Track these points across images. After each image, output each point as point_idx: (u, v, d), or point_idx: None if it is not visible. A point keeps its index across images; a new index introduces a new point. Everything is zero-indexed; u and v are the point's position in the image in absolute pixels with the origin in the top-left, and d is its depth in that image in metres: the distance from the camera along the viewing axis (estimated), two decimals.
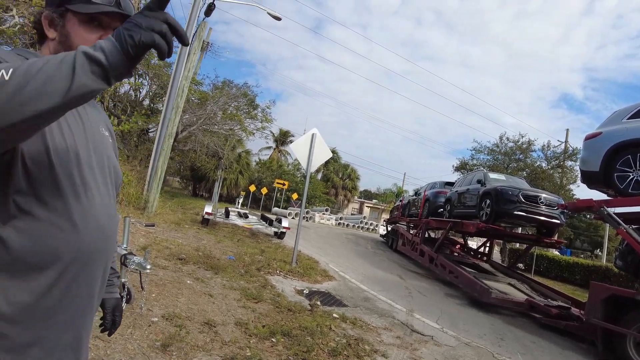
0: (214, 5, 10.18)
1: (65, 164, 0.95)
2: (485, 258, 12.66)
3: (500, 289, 8.49)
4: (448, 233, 11.61)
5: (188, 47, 11.39)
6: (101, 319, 1.32)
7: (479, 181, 10.62)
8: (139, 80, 17.64)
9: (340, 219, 27.76)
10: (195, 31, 11.50)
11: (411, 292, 8.14)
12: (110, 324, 1.33)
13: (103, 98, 15.36)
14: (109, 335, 1.36)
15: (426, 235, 13.23)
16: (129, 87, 17.67)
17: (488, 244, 13.09)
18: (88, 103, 1.14)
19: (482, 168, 19.55)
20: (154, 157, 11.40)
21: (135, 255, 3.25)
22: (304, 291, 6.16)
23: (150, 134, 18.63)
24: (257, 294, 5.07)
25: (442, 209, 12.61)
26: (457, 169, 24.68)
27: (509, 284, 9.70)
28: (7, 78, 0.71)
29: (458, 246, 13.73)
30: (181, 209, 14.41)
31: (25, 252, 0.89)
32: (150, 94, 18.86)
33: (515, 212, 8.71)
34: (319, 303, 5.42)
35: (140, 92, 18.65)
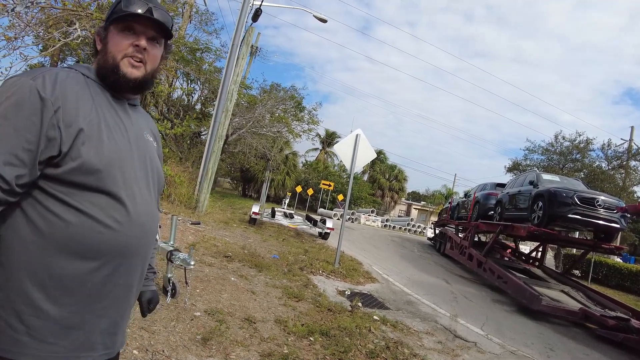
0: (261, 10, 10.47)
1: (109, 167, 1.05)
2: (537, 263, 12.07)
3: (552, 297, 8.05)
4: (498, 237, 11.13)
5: (237, 52, 11.85)
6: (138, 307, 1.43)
7: (531, 182, 10.11)
8: (191, 86, 18.50)
9: (387, 220, 27.39)
10: (244, 36, 11.88)
11: (457, 296, 7.92)
12: (146, 311, 1.44)
13: (157, 103, 16.27)
14: (143, 316, 1.47)
15: (475, 239, 12.78)
16: (181, 92, 18.60)
17: (541, 249, 12.45)
18: (135, 110, 1.26)
19: (536, 169, 18.55)
20: (205, 159, 11.89)
21: (180, 252, 3.45)
22: (346, 292, 6.16)
23: (202, 137, 19.41)
24: (298, 293, 5.16)
25: (492, 212, 12.14)
26: (510, 169, 23.56)
27: (562, 291, 9.17)
28: None
29: (509, 250, 13.16)
30: (230, 209, 14.90)
31: (73, 243, 1.01)
32: (202, 98, 19.65)
33: (570, 215, 8.19)
34: (360, 304, 5.40)
35: (192, 97, 19.52)
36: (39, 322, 0.97)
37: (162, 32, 1.21)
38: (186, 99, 19.36)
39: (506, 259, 11.78)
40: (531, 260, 12.42)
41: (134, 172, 1.13)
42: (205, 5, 24.20)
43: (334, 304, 5.10)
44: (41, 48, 7.28)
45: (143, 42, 1.16)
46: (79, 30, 6.15)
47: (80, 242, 1.01)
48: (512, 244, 14.05)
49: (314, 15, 14.24)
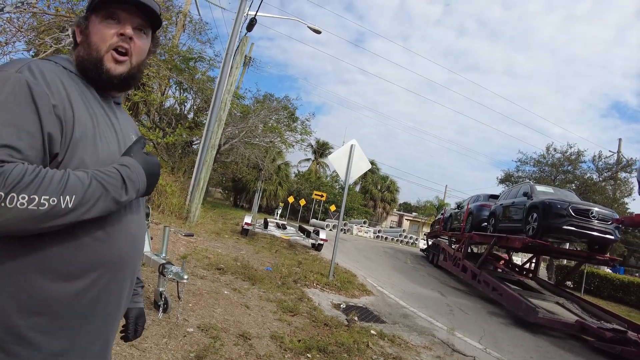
0: (256, 20, 10.44)
1: None
2: (531, 275, 12.05)
3: (547, 309, 7.99)
4: (492, 248, 11.11)
5: (231, 61, 11.80)
6: (123, 326, 1.31)
7: (525, 194, 10.14)
8: (184, 94, 18.38)
9: (379, 231, 27.35)
10: (238, 46, 11.84)
11: (452, 309, 7.84)
12: (132, 334, 1.32)
13: (149, 111, 16.14)
14: (125, 341, 1.34)
15: (469, 251, 12.75)
16: (173, 101, 18.47)
17: (534, 260, 12.45)
18: (119, 109, 1.15)
19: (530, 180, 18.66)
20: (196, 168, 11.74)
21: (173, 265, 3.32)
22: (341, 305, 6.04)
23: (194, 146, 19.27)
24: (293, 307, 5.02)
25: (486, 223, 12.18)
26: (502, 181, 23.75)
27: (557, 303, 9.12)
28: (70, 206, 0.83)
29: (502, 262, 13.15)
30: (222, 219, 14.71)
31: (61, 260, 0.90)
32: (195, 107, 19.53)
33: (565, 227, 8.20)
34: (356, 318, 5.32)
35: (184, 106, 19.39)
36: (24, 352, 0.85)
37: (149, 20, 1.10)
38: (179, 108, 19.24)
39: (499, 270, 11.74)
40: (524, 272, 12.40)
41: None
42: (199, 14, 24.24)
43: (330, 318, 4.98)
44: (32, 54, 7.16)
45: (129, 30, 1.04)
46: (70, 36, 6.05)
47: (66, 260, 0.90)
48: (505, 256, 14.04)
49: (308, 27, 14.29)
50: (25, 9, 6.03)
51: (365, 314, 5.93)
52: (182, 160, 17.59)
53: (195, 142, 18.95)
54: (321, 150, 40.49)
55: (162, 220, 9.47)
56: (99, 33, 1.03)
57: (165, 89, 16.69)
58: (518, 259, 18.35)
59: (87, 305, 0.94)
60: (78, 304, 0.92)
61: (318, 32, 14.33)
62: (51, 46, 6.39)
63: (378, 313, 6.13)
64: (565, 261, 17.15)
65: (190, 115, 19.69)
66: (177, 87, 18.11)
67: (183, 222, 10.46)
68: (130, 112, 13.29)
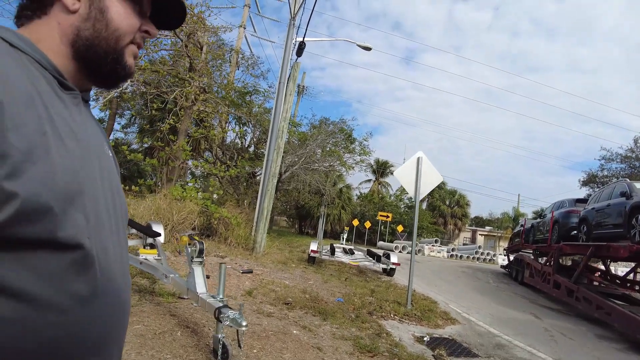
0: (304, 44, 10.36)
1: (66, 201, 0.61)
2: (638, 287, 10.50)
3: None
4: (590, 259, 9.79)
5: (284, 88, 11.79)
6: None
7: (622, 194, 8.80)
8: (243, 128, 18.91)
9: (452, 250, 25.91)
10: (290, 73, 11.83)
11: (553, 334, 6.86)
12: None
13: (211, 147, 16.66)
14: None
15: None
16: (234, 135, 19.05)
17: (639, 270, 10.91)
18: (88, 110, 0.76)
19: (622, 178, 16.58)
20: (259, 198, 11.70)
21: (230, 308, 2.91)
22: (425, 338, 5.37)
23: (257, 177, 19.61)
24: (371, 345, 4.43)
25: (576, 231, 10.93)
26: (585, 183, 21.58)
27: None
28: None
29: (598, 274, 11.64)
30: (288, 247, 14.52)
31: (11, 349, 0.54)
32: (254, 140, 20.01)
33: None
34: (444, 353, 4.68)
35: (245, 139, 19.96)
36: None
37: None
38: (239, 142, 19.81)
39: (596, 283, 10.45)
40: (628, 284, 10.88)
41: (103, 207, 0.69)
42: (251, 50, 25.18)
43: (415, 356, 4.36)
44: (93, 100, 7.55)
45: (155, 31, 0.80)
46: (128, 81, 6.23)
47: (20, 340, 0.54)
48: (601, 266, 12.37)
49: (357, 45, 14.07)
50: None
51: (454, 347, 5.23)
52: (247, 192, 17.87)
53: (258, 173, 19.28)
54: (381, 169, 39.71)
55: (229, 252, 9.37)
56: (127, 19, 0.74)
57: (225, 125, 17.22)
58: (617, 269, 16.21)
59: None
60: None
61: (368, 49, 14.03)
62: (109, 91, 6.61)
63: (468, 345, 5.39)
64: None
65: (251, 148, 20.18)
66: (237, 122, 18.68)
67: (250, 254, 10.31)
68: (192, 148, 13.74)
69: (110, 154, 0.80)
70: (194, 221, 9.79)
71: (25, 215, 0.53)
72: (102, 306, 0.65)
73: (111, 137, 19.39)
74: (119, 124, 21.15)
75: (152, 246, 4.64)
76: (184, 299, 4.60)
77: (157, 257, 4.35)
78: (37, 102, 0.59)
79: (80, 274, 0.60)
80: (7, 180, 0.52)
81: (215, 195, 12.74)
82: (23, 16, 0.69)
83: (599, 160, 22.26)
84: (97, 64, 0.72)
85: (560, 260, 13.14)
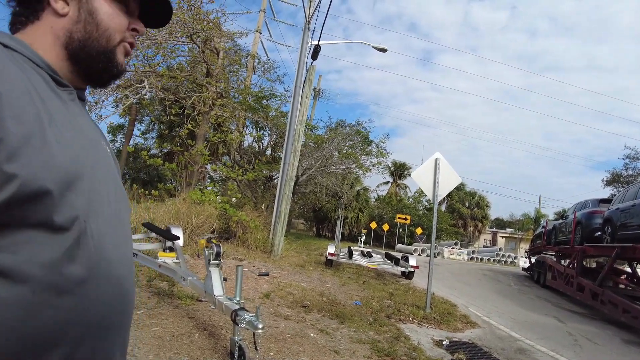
0: (319, 47, 10.38)
1: (65, 183, 0.64)
2: None
3: None
4: (615, 261, 9.50)
5: (300, 92, 11.83)
6: None
7: None
8: (260, 132, 19.06)
9: (472, 252, 25.56)
10: (305, 76, 11.87)
11: (577, 339, 6.66)
12: None
13: (229, 151, 16.83)
14: None
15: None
16: (251, 139, 19.22)
17: None
18: (84, 108, 0.80)
19: None
20: (277, 201, 11.75)
21: (247, 311, 2.92)
22: (444, 342, 5.28)
23: (274, 181, 19.72)
24: (389, 349, 4.37)
25: (600, 232, 10.61)
26: (609, 182, 20.97)
27: None
28: None
29: (624, 276, 11.30)
30: (306, 250, 14.53)
31: (12, 332, 0.56)
32: (272, 143, 20.15)
33: None
34: (463, 357, 4.59)
35: (262, 143, 20.11)
36: None
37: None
38: (257, 146, 19.96)
39: (621, 286, 10.19)
40: None
41: (103, 194, 0.71)
42: (267, 55, 25.40)
43: None
44: (113, 107, 7.76)
45: (144, 29, 0.84)
46: (147, 87, 6.39)
47: (22, 326, 0.56)
48: (627, 268, 11.97)
49: (372, 47, 14.01)
50: None
51: (474, 351, 5.12)
52: (264, 195, 17.98)
53: (275, 177, 19.39)
54: (399, 171, 39.40)
55: (247, 255, 9.43)
56: (116, 19, 0.78)
57: (242, 129, 17.40)
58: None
59: None
60: None
61: (384, 50, 13.96)
62: (128, 97, 6.78)
63: (488, 349, 5.27)
64: None
65: (269, 151, 20.33)
66: (254, 126, 18.84)
67: (267, 256, 10.35)
68: (210, 152, 13.92)
69: (108, 150, 0.81)
70: (213, 224, 9.89)
71: (25, 197, 0.56)
72: (100, 291, 0.66)
73: (131, 142, 19.82)
74: (138, 129, 21.67)
75: (172, 249, 4.70)
76: (202, 301, 4.64)
77: (175, 260, 4.40)
78: (33, 95, 0.62)
79: (76, 257, 0.62)
80: (7, 162, 0.55)
81: (233, 199, 12.85)
82: (17, 22, 0.73)
83: (622, 159, 21.68)
84: (90, 63, 0.76)
85: (585, 263, 12.82)
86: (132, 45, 0.82)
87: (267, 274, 4.80)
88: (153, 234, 5.10)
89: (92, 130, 0.77)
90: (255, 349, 2.84)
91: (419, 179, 7.29)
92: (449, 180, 7.26)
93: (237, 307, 2.86)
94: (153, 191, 10.69)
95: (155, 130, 21.98)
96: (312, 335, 4.44)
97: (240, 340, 2.88)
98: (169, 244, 4.78)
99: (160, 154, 18.98)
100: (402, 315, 6.16)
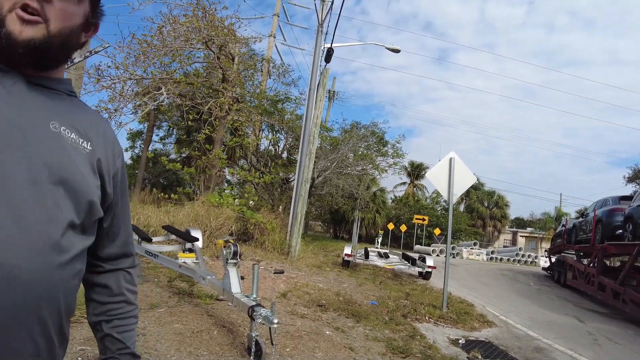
0: (332, 50, 10.48)
1: None
2: None
3: None
4: (636, 260, 9.26)
5: (314, 95, 11.95)
6: None
7: None
8: (276, 135, 19.26)
9: (492, 252, 25.19)
10: (320, 79, 11.98)
11: (597, 338, 6.56)
12: None
13: (246, 155, 17.07)
14: None
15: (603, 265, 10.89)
16: (268, 143, 19.44)
17: None
18: (44, 94, 0.79)
19: None
20: (293, 203, 11.88)
21: (263, 307, 3.04)
22: (460, 341, 5.28)
23: (291, 183, 19.88)
24: (404, 346, 4.42)
25: (621, 230, 10.39)
26: (630, 179, 20.42)
27: None
28: None
29: None
30: (323, 252, 14.60)
31: None
32: (287, 146, 20.32)
33: None
34: (479, 355, 4.59)
35: (278, 146, 20.30)
36: None
37: None
38: (273, 149, 20.17)
39: None
40: None
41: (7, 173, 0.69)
42: (281, 59, 25.65)
43: (449, 358, 4.31)
44: (132, 114, 8.04)
45: None
46: (164, 94, 6.61)
47: None
48: None
49: (386, 47, 14.04)
50: (127, 78, 6.73)
51: (490, 350, 5.11)
52: (281, 197, 18.15)
53: (291, 179, 19.54)
54: (416, 172, 39.05)
55: (265, 257, 9.57)
56: None
57: (258, 133, 17.62)
58: None
59: None
60: None
61: (397, 51, 13.97)
62: (147, 104, 7.01)
63: (505, 348, 5.24)
64: None
65: (284, 154, 20.50)
66: (270, 129, 19.05)
67: (285, 258, 10.48)
68: (227, 156, 14.15)
69: (58, 131, 0.78)
70: (231, 227, 10.08)
71: None
72: None
73: (150, 148, 20.28)
74: (157, 135, 22.14)
75: (191, 250, 4.87)
76: (221, 300, 4.79)
77: (195, 261, 4.56)
78: None
79: None
80: None
81: (251, 202, 13.04)
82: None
83: None
84: None
85: (608, 262, 12.53)
86: (28, 6, 0.73)
87: (282, 272, 4.91)
88: (173, 236, 5.29)
89: (38, 113, 0.76)
90: (272, 343, 2.95)
91: (434, 179, 7.30)
92: (464, 180, 7.24)
93: (254, 303, 2.98)
94: (173, 195, 10.96)
95: (173, 135, 22.43)
96: (327, 332, 4.52)
97: (257, 336, 2.99)
98: (188, 245, 4.95)
99: (179, 159, 19.38)
100: (418, 315, 6.18)
